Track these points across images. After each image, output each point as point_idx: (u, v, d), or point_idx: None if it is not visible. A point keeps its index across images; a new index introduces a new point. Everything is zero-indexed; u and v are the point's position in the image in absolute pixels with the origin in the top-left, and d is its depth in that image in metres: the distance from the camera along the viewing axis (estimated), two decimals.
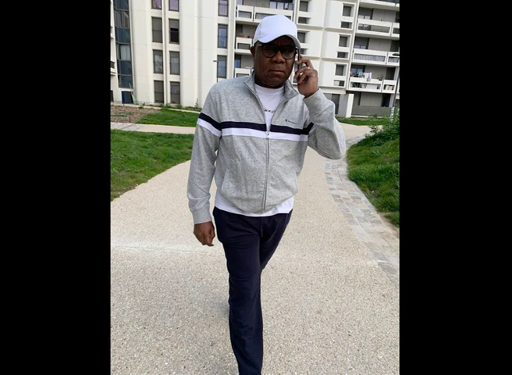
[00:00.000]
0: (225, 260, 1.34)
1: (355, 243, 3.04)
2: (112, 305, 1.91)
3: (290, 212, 1.36)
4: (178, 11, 26.12)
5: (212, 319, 1.83)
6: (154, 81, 28.00)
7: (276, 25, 0.99)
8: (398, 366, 1.58)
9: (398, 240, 3.13)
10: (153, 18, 26.40)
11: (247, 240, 1.27)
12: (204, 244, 1.32)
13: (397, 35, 28.94)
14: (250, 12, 27.19)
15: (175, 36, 26.92)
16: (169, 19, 26.41)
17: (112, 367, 1.46)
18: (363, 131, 10.87)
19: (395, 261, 2.68)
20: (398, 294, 2.19)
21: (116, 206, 3.65)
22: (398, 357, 1.63)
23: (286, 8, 28.67)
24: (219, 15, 26.84)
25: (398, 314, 1.98)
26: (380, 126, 9.82)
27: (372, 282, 2.35)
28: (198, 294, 2.08)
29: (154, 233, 2.98)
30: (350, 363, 1.58)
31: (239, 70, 27.95)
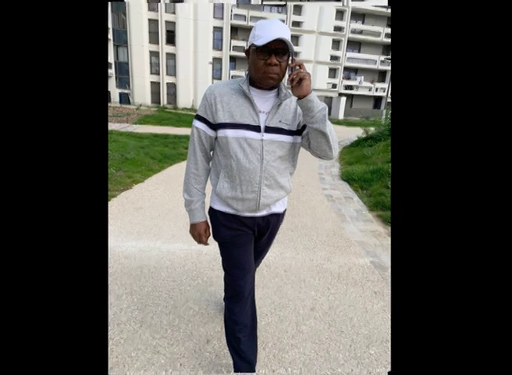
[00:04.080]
0: (221, 259, 1.36)
1: (347, 242, 3.08)
2: (109, 303, 1.91)
3: (284, 211, 1.38)
4: (174, 13, 25.96)
5: (208, 317, 1.85)
6: (151, 82, 27.76)
7: (270, 28, 1.01)
8: (390, 360, 1.62)
9: (389, 238, 3.18)
10: (149, 20, 26.20)
11: (242, 239, 1.29)
12: (199, 243, 1.33)
13: (388, 40, 29.08)
14: (245, 16, 27.15)
15: (171, 38, 26.75)
16: (166, 22, 26.25)
17: (110, 365, 1.46)
18: (355, 133, 10.94)
19: (386, 259, 2.73)
20: (389, 291, 2.23)
21: (114, 206, 3.63)
22: (389, 352, 1.66)
23: (280, 12, 28.62)
24: (215, 18, 26.72)
25: (389, 310, 2.02)
26: (372, 128, 9.90)
27: (364, 279, 2.39)
28: (194, 292, 2.09)
29: (150, 233, 2.98)
30: (342, 359, 1.61)
31: (234, 72, 27.83)
